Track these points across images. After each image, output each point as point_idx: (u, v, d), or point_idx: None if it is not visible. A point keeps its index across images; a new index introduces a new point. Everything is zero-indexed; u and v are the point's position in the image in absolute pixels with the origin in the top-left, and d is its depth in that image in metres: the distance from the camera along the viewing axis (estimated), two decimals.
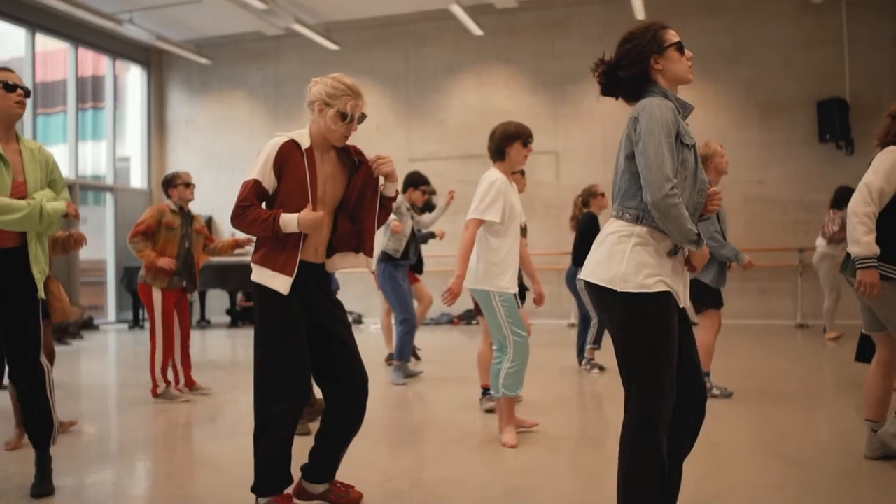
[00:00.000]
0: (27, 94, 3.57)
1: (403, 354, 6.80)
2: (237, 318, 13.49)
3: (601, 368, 7.14)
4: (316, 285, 3.26)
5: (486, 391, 5.39)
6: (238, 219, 3.12)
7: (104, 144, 14.30)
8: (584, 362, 7.17)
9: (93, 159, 14.30)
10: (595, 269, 2.60)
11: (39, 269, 3.55)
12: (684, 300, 2.65)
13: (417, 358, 8.10)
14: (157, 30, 13.39)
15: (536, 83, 12.98)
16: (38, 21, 12.30)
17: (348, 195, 3.29)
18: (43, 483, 3.59)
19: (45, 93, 14.02)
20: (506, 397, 4.37)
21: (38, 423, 3.60)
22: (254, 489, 3.20)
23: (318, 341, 3.25)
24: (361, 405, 3.30)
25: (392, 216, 6.67)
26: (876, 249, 3.58)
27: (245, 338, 11.44)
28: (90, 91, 14.33)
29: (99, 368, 8.81)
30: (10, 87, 3.52)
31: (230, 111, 14.75)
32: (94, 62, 14.35)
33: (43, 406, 3.59)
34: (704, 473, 3.78)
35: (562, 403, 5.74)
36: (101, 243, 14.09)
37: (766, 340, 9.70)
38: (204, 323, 13.64)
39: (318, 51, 13.84)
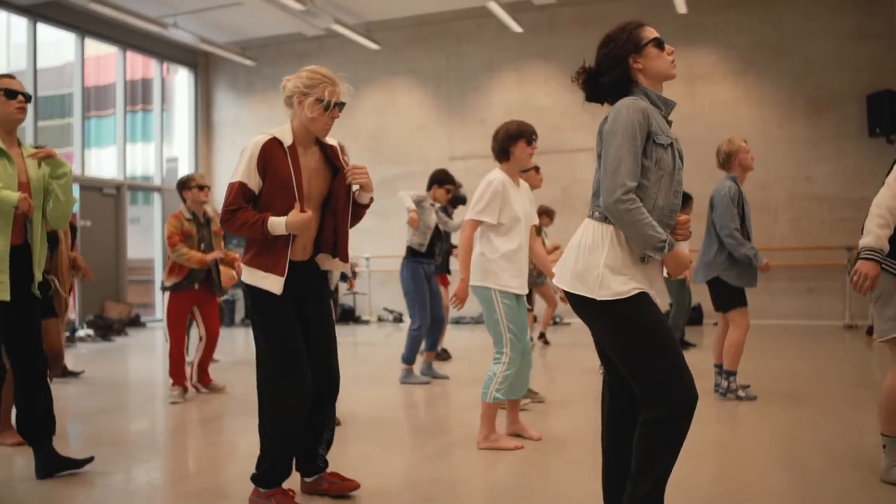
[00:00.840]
0: (27, 99, 3.67)
1: (411, 357, 6.69)
2: None
3: None
4: (307, 284, 3.29)
5: None
6: (227, 223, 3.15)
7: (153, 145, 14.63)
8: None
9: (142, 160, 14.65)
10: (571, 279, 2.54)
11: (41, 269, 3.67)
12: (656, 302, 2.58)
13: (447, 358, 8.09)
14: (202, 32, 13.62)
15: None
16: (87, 26, 12.62)
17: (331, 191, 3.30)
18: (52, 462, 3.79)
19: (97, 96, 14.43)
20: (486, 403, 4.24)
21: (45, 425, 3.81)
22: (255, 480, 3.25)
23: (304, 337, 3.29)
24: (331, 400, 3.37)
25: (410, 207, 6.61)
26: (885, 245, 3.39)
27: None
28: (140, 93, 14.68)
29: (139, 364, 9.03)
30: (11, 94, 3.62)
31: (274, 111, 14.91)
32: (144, 65, 14.69)
33: (49, 413, 3.82)
34: (701, 478, 3.68)
35: (576, 404, 5.65)
36: (148, 243, 14.44)
37: (811, 341, 9.42)
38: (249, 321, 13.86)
39: (359, 51, 13.92)
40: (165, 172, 14.75)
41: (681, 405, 2.41)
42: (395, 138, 14.00)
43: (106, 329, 11.07)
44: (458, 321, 12.83)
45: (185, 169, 15.41)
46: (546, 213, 9.23)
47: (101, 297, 12.60)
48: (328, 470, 3.47)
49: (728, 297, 5.45)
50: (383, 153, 13.84)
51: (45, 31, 12.28)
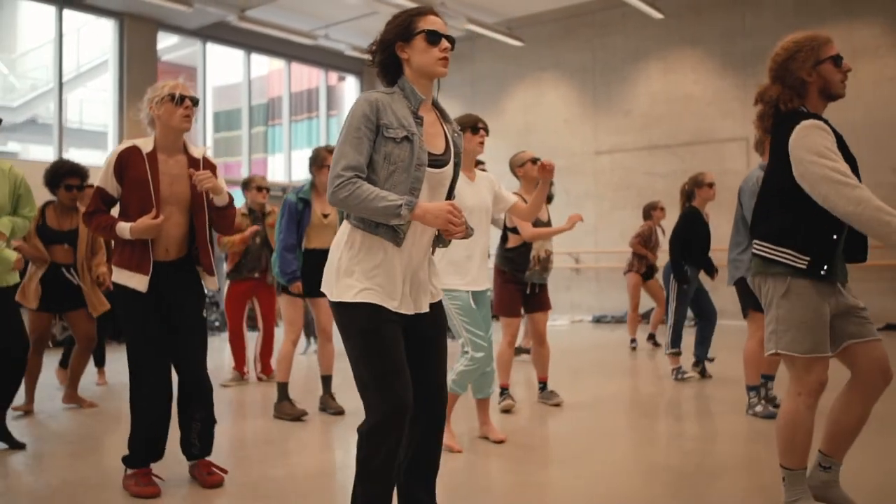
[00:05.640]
0: None
1: None
2: None
3: (701, 375, 6.61)
4: (173, 283, 3.49)
5: (503, 390, 5.27)
6: (87, 225, 3.49)
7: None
8: (672, 371, 6.63)
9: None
10: (324, 277, 2.52)
11: None
12: (415, 304, 2.49)
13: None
14: (354, 41, 14.22)
15: (725, 65, 12.05)
16: (252, 43, 13.72)
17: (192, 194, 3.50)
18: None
19: (276, 106, 15.71)
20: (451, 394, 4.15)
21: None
22: (123, 460, 3.50)
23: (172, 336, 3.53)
24: (201, 399, 3.59)
25: None
26: None
27: None
28: (315, 102, 15.76)
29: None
30: None
31: None
32: (317, 75, 15.75)
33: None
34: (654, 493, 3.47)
35: (587, 409, 5.41)
36: None
37: None
38: None
39: (506, 48, 13.99)
40: None
41: (379, 422, 2.35)
42: (541, 134, 13.93)
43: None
44: (599, 319, 12.56)
45: None
46: (655, 208, 8.83)
47: None
48: (212, 463, 3.64)
49: (747, 299, 4.90)
50: (530, 149, 13.75)
51: (219, 50, 13.57)
